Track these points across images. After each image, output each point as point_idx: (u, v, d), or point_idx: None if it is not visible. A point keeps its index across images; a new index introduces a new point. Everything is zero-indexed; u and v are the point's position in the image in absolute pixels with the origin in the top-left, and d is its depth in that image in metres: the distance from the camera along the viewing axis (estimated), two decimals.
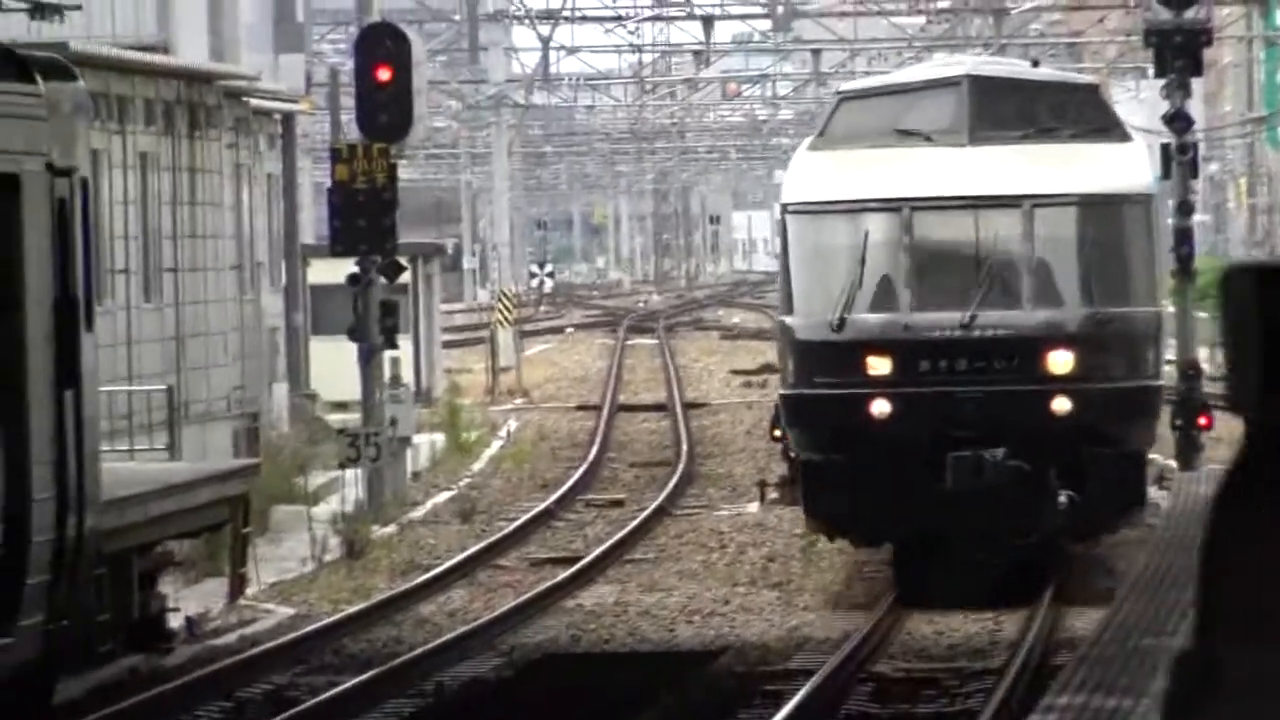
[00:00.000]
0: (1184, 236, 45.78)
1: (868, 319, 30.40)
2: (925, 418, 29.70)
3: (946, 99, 32.59)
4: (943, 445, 29.27)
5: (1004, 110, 31.91)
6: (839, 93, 36.33)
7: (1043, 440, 29.22)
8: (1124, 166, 31.09)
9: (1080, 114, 32.31)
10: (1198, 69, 44.62)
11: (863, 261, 30.53)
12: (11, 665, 19.98)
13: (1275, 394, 4.28)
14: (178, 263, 50.40)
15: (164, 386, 44.67)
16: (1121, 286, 30.11)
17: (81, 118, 23.69)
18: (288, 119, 62.88)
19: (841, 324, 30.25)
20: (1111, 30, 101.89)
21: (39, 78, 21.88)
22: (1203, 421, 45.73)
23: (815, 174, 32.56)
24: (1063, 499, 28.72)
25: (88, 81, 25.23)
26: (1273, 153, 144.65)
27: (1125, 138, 32.41)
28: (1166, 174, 43.97)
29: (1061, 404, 29.12)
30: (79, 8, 38.97)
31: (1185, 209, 45.87)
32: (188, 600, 36.46)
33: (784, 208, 32.65)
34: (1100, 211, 30.43)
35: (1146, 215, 30.99)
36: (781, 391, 32.50)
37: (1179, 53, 43.43)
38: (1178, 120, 45.26)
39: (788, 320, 31.72)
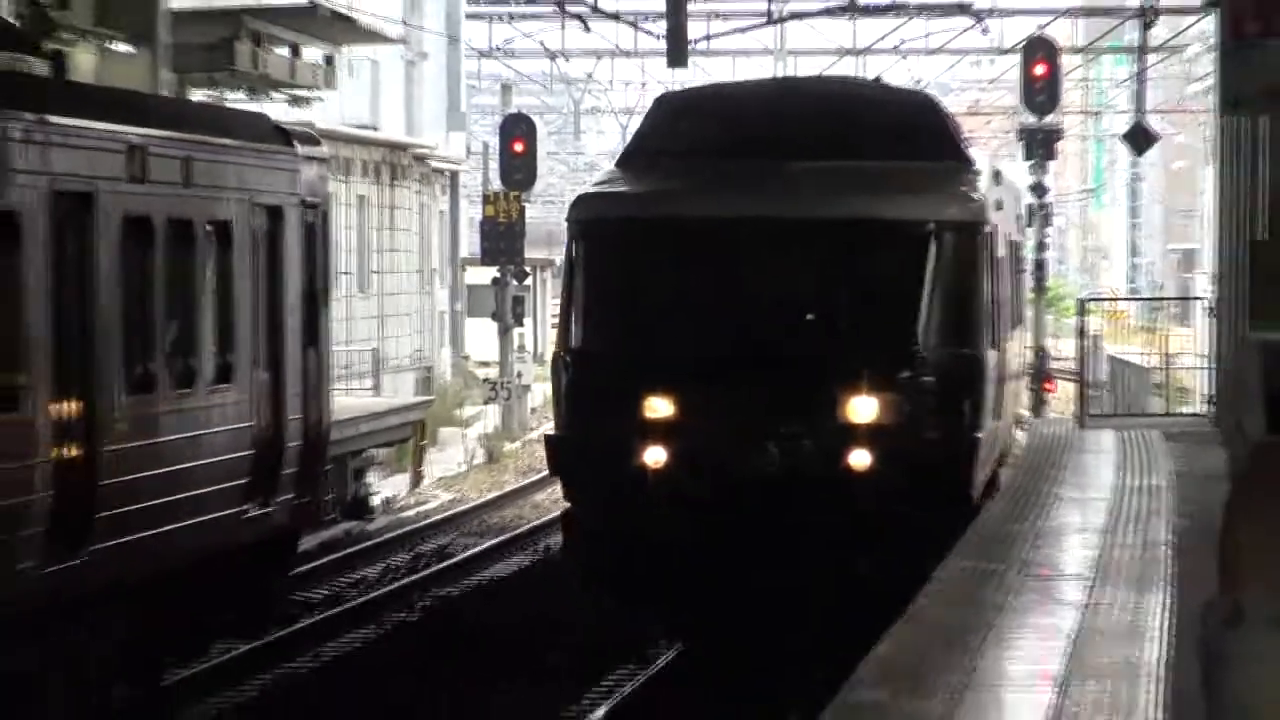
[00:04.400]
0: (1040, 265, 45.94)
1: (648, 354, 17.77)
2: (708, 467, 17.46)
3: (764, 111, 20.38)
4: (727, 499, 17.37)
5: (822, 125, 19.53)
6: (657, 98, 22.32)
7: (839, 498, 17.30)
8: (950, 191, 18.89)
9: (911, 133, 19.72)
10: (1052, 155, 44.76)
11: (650, 290, 18.22)
12: (272, 526, 19.40)
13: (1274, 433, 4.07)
14: (380, 267, 50.54)
15: (370, 348, 44.52)
16: (942, 325, 17.98)
17: (322, 170, 22.13)
18: (453, 175, 62.89)
19: (620, 359, 17.83)
20: (994, 129, 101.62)
21: (296, 143, 20.76)
22: (1048, 386, 45.31)
23: (611, 187, 19.44)
24: (862, 564, 17.34)
25: (325, 147, 25.19)
26: (1096, 212, 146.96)
27: (961, 159, 20.14)
28: (1030, 222, 42.58)
29: (860, 457, 17.29)
30: (322, 100, 39.18)
31: (1042, 247, 46.16)
32: (383, 487, 35.99)
33: (569, 222, 19.07)
34: (917, 240, 18.03)
35: (974, 246, 18.53)
36: (548, 433, 19.19)
37: (1041, 145, 43.30)
38: (1038, 189, 45.02)
39: (561, 353, 18.57)
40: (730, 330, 17.52)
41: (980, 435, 18.29)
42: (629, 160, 19.71)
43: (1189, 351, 41.54)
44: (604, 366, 17.79)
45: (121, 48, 27.97)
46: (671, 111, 20.30)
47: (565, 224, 19.16)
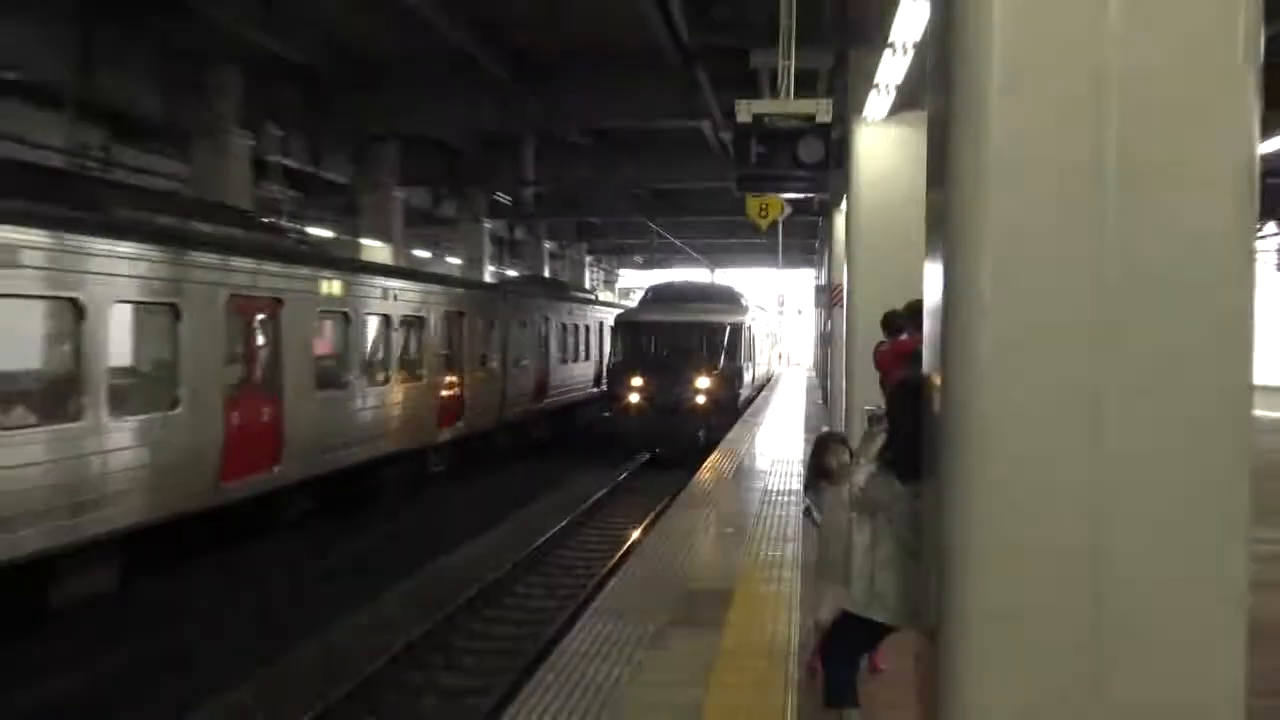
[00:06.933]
0: (778, 337, 55.59)
1: (634, 364, 31.69)
2: (652, 402, 30.75)
3: (680, 289, 36.75)
4: (661, 411, 30.65)
5: (699, 294, 35.88)
6: (650, 285, 37.96)
7: (695, 412, 30.49)
8: (736, 314, 33.61)
9: (726, 297, 35.88)
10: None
11: (638, 344, 32.40)
12: (594, 394, 35.58)
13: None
14: None
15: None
16: (729, 359, 32.02)
17: (610, 309, 37.85)
18: None
19: (628, 366, 31.63)
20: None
21: (598, 297, 37.27)
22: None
23: (630, 310, 35.66)
24: (701, 432, 30.22)
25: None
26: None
27: (741, 305, 35.56)
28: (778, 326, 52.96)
29: (702, 399, 30.58)
30: (615, 282, 62.23)
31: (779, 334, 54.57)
32: None
33: (614, 322, 34.06)
34: (723, 330, 32.40)
35: (740, 333, 33.02)
36: (605, 387, 33.90)
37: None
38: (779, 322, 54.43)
39: (611, 363, 32.51)
40: (662, 357, 31.51)
41: (740, 392, 32.59)
42: (640, 302, 35.36)
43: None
44: (620, 369, 31.43)
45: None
46: (654, 289, 36.12)
47: (614, 323, 33.63)
